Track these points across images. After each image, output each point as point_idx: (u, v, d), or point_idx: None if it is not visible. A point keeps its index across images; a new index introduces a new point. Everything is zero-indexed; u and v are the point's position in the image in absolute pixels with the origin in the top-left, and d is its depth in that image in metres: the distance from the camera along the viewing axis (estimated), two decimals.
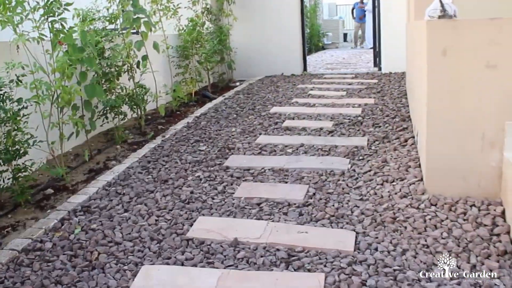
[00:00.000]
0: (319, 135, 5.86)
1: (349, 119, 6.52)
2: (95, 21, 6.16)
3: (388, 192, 4.06)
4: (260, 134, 6.11)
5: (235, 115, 7.23)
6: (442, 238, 3.32)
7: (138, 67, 6.89)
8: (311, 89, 9.02)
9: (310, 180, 4.47)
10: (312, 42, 19.77)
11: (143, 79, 6.95)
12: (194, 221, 3.86)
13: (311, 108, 7.35)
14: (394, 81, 9.37)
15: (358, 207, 3.88)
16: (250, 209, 4.01)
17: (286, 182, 4.49)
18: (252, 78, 11.25)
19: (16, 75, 4.52)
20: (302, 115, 6.89)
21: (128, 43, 6.61)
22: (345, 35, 23.91)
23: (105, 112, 6.15)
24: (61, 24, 4.88)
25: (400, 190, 4.06)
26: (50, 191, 4.85)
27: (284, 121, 6.64)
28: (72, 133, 5.51)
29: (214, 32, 10.50)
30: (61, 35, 4.94)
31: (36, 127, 4.99)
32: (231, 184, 4.53)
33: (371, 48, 15.38)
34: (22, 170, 4.51)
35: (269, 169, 4.82)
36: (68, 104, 5.12)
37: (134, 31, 7.10)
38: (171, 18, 8.62)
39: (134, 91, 6.66)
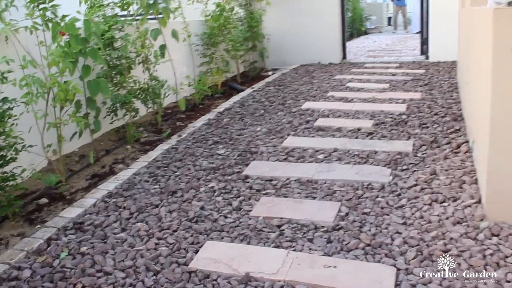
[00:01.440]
0: (356, 138, 5.08)
1: (391, 117, 5.70)
2: (103, 7, 5.51)
3: (438, 215, 3.29)
4: (288, 135, 5.36)
5: (262, 111, 6.49)
6: (507, 282, 2.58)
7: (155, 57, 6.23)
8: (350, 81, 8.19)
9: (342, 196, 3.73)
10: (354, 27, 18.85)
11: (157, 71, 6.27)
12: (201, 246, 3.20)
13: (349, 103, 6.54)
14: (443, 71, 8.44)
15: (400, 234, 3.14)
16: (268, 232, 3.31)
17: (314, 198, 3.76)
18: (286, 66, 10.48)
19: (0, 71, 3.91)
20: (338, 112, 6.10)
21: (143, 31, 5.95)
22: (389, 19, 22.84)
23: (113, 108, 5.51)
24: (53, 12, 4.28)
25: (452, 214, 3.27)
26: (44, 200, 4.27)
27: (316, 119, 5.87)
28: (75, 133, 4.91)
29: (245, 18, 9.74)
30: (60, 24, 4.36)
31: (29, 128, 4.42)
32: (249, 199, 3.83)
33: (417, 32, 14.40)
34: (10, 179, 3.93)
35: (295, 180, 4.10)
36: (70, 102, 4.54)
37: (151, 17, 6.45)
38: (198, 2, 7.98)
39: (149, 84, 6.00)
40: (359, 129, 5.31)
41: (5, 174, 3.92)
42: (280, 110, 6.45)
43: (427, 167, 4.11)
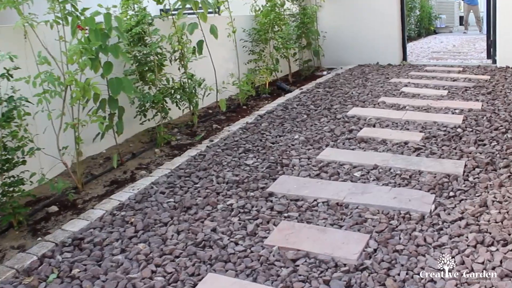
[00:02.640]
0: (401, 153, 4.51)
1: (444, 130, 5.07)
2: (137, 1, 5.18)
3: (483, 263, 2.73)
4: (326, 145, 4.86)
5: (305, 116, 5.99)
6: None
7: (193, 53, 5.87)
8: (406, 85, 7.53)
9: (374, 226, 3.22)
10: (421, 26, 17.93)
11: (191, 69, 5.88)
12: (200, 279, 2.82)
13: (399, 112, 5.92)
14: (511, 78, 7.62)
15: (435, 283, 2.62)
16: (280, 267, 2.87)
17: (341, 227, 3.27)
18: (342, 66, 9.89)
19: (5, 68, 3.63)
20: (386, 122, 5.52)
21: (179, 26, 5.59)
22: (461, 18, 21.62)
23: (142, 109, 5.18)
24: (73, 5, 3.97)
25: (500, 262, 2.70)
26: (54, 208, 3.98)
27: (361, 128, 5.32)
28: (98, 133, 4.60)
29: (298, 14, 9.22)
30: (80, 18, 4.08)
31: (44, 129, 4.17)
32: (267, 223, 3.38)
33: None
34: (13, 184, 3.64)
35: (323, 202, 3.61)
36: (95, 101, 4.30)
37: (191, 12, 6.10)
38: None
39: (183, 82, 5.62)
40: (406, 143, 4.74)
41: (12, 179, 3.65)
42: (324, 116, 5.93)
43: (478, 196, 3.53)
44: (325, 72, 9.52)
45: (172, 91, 5.44)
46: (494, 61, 9.11)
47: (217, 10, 6.92)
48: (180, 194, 3.94)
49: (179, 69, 5.79)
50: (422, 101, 6.35)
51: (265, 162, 4.49)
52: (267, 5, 7.98)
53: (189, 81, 5.69)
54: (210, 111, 6.71)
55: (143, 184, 4.18)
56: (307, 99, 6.88)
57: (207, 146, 5.03)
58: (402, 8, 9.85)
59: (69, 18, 4.05)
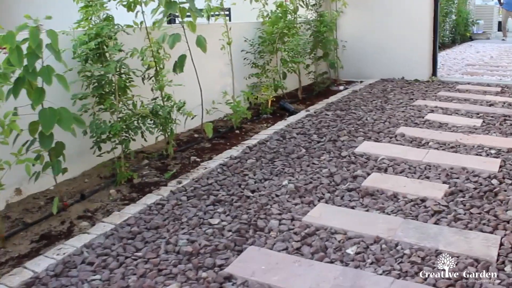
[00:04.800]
0: (416, 217, 3.41)
1: (475, 182, 3.95)
2: (103, 7, 4.23)
3: None
4: (320, 199, 3.78)
5: (303, 150, 4.89)
6: None
7: (174, 71, 4.91)
8: (432, 110, 6.37)
9: None
10: (457, 32, 16.73)
11: (169, 94, 4.90)
12: None
13: (420, 150, 4.74)
14: None
15: None
16: None
17: None
18: (363, 80, 8.81)
19: None
20: (401, 165, 4.38)
21: (152, 38, 4.64)
22: (499, 23, 20.29)
23: (98, 140, 4.22)
24: None
25: None
26: None
27: (368, 174, 4.20)
28: (35, 173, 3.66)
29: (313, 21, 8.14)
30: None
31: None
32: None
33: None
34: None
35: None
36: (32, 132, 3.44)
37: (177, 19, 5.15)
38: (256, 1, 6.63)
39: (158, 107, 4.63)
40: (423, 201, 3.64)
41: None
42: (327, 152, 4.83)
43: None
44: (341, 87, 8.44)
45: (139, 118, 4.44)
46: None
47: (211, 16, 5.91)
48: (112, 267, 2.95)
49: (152, 89, 4.81)
50: (450, 135, 5.18)
51: (235, 221, 3.44)
52: (277, 10, 6.95)
53: (165, 104, 4.69)
54: (196, 135, 5.70)
55: (73, 247, 3.21)
56: (311, 125, 5.79)
57: (171, 190, 4.02)
58: (436, 15, 8.64)
59: None
